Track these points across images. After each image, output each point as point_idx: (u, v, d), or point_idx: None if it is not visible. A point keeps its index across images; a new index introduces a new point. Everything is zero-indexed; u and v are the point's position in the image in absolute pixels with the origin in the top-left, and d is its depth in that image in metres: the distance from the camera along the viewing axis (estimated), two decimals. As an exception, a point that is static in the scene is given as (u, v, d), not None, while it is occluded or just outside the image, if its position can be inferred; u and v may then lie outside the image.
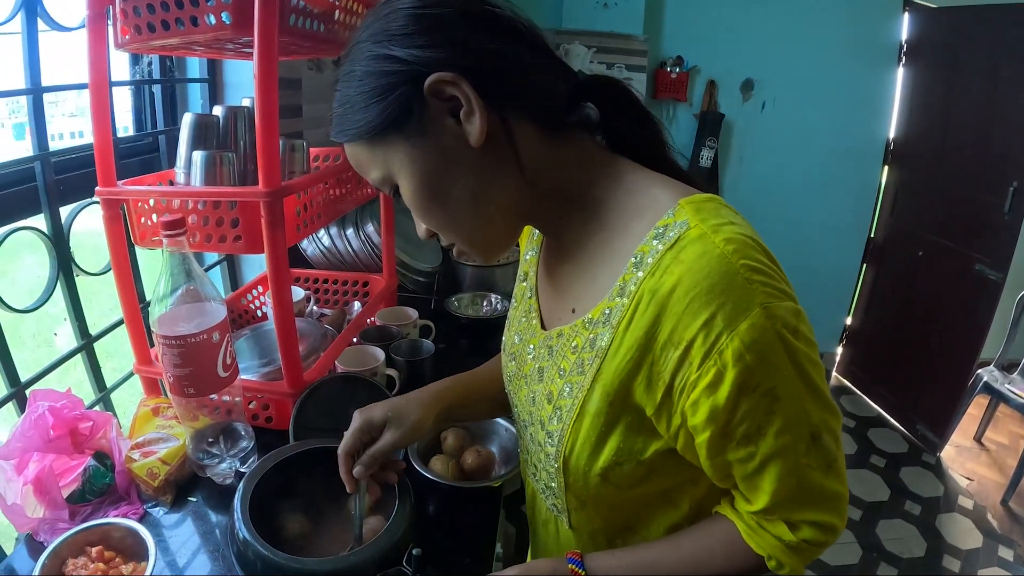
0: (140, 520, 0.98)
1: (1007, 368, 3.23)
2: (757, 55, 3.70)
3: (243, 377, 1.20)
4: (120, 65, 1.48)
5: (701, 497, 0.75)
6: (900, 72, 3.63)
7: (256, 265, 1.82)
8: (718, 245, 0.58)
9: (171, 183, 1.19)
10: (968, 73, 3.19)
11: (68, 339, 1.31)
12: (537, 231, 0.91)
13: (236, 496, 0.87)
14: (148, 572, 0.83)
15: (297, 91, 1.85)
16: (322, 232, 1.79)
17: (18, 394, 1.13)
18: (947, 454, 3.39)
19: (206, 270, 1.77)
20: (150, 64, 1.52)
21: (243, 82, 1.70)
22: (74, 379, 1.35)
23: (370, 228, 1.75)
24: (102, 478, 1.00)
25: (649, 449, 0.67)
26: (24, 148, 1.19)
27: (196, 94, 1.68)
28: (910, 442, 3.52)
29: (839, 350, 4.27)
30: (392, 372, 1.35)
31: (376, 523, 0.88)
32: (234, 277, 1.87)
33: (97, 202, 1.12)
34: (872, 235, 3.96)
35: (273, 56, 0.95)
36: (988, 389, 3.17)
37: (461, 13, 0.64)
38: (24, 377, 1.16)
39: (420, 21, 0.63)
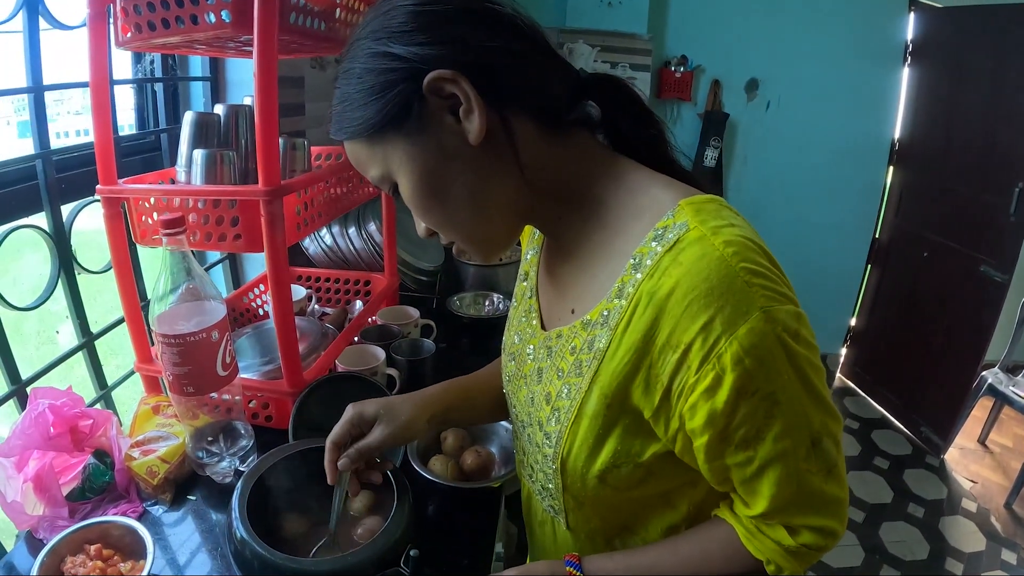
0: (139, 518, 0.99)
1: (1012, 370, 3.21)
2: (762, 55, 3.69)
3: (244, 375, 1.20)
4: (123, 63, 1.48)
5: (700, 500, 0.75)
6: (905, 72, 3.62)
7: (258, 263, 1.82)
8: (717, 247, 0.57)
9: (172, 181, 1.19)
10: (974, 73, 3.17)
11: (70, 337, 1.31)
12: (538, 231, 0.91)
13: (234, 495, 0.87)
14: (146, 571, 0.83)
15: (300, 89, 1.85)
16: (324, 231, 1.79)
17: (19, 392, 1.13)
18: (951, 456, 3.38)
19: (208, 268, 1.77)
20: (152, 62, 1.52)
21: (245, 80, 1.70)
22: (78, 376, 1.35)
23: (372, 227, 1.75)
24: (102, 476, 1.00)
25: (647, 452, 0.67)
26: (29, 146, 1.19)
27: (198, 92, 1.68)
28: (914, 444, 3.50)
29: (843, 351, 4.26)
30: (393, 372, 1.34)
31: (374, 523, 0.88)
32: (236, 275, 1.87)
33: (98, 200, 1.12)
34: (876, 235, 3.94)
35: (273, 55, 0.94)
36: (992, 391, 3.15)
37: (461, 10, 0.63)
38: (27, 374, 1.16)
39: (420, 18, 0.62)
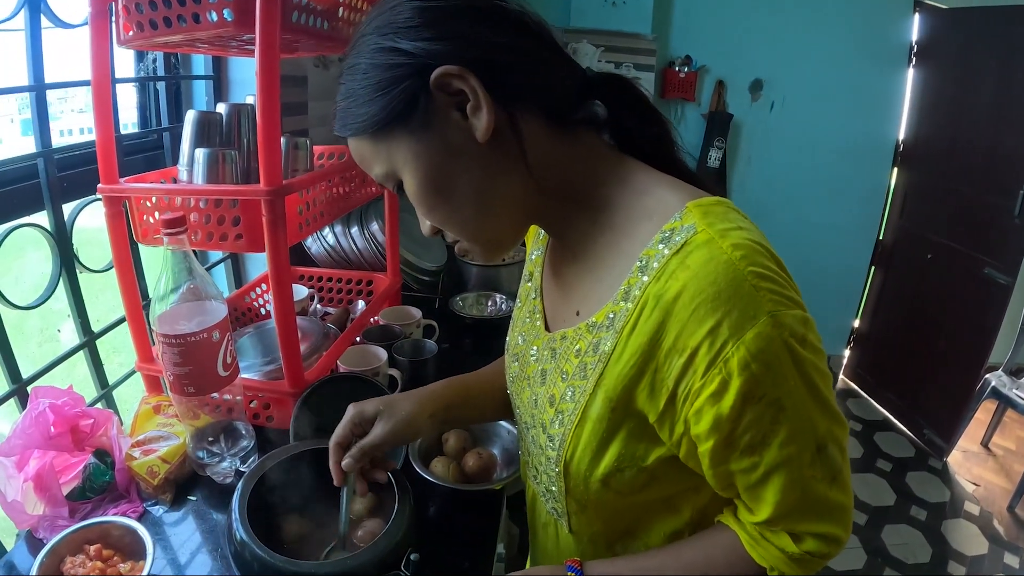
0: (139, 518, 0.98)
1: (1015, 373, 3.20)
2: (766, 55, 3.69)
3: (245, 375, 1.20)
4: (125, 62, 1.48)
5: (703, 505, 0.74)
6: (910, 73, 3.61)
7: (260, 262, 1.82)
8: (725, 251, 0.57)
9: (174, 181, 1.19)
10: (979, 74, 3.16)
11: (72, 335, 1.31)
12: (543, 231, 0.90)
13: (234, 496, 0.87)
14: (146, 571, 0.83)
15: (303, 88, 1.84)
16: (327, 230, 1.79)
17: (19, 391, 1.13)
18: (954, 459, 3.37)
19: (210, 267, 1.77)
20: (155, 61, 1.52)
21: (248, 79, 1.69)
22: (79, 375, 1.35)
23: (375, 227, 1.75)
24: (102, 476, 1.00)
25: (651, 456, 0.66)
26: (32, 144, 1.18)
27: (201, 91, 1.68)
28: (917, 446, 3.49)
29: (846, 353, 4.25)
30: (395, 372, 1.34)
31: (375, 526, 0.88)
32: (238, 274, 1.86)
33: (100, 199, 1.12)
34: (880, 237, 3.93)
35: (275, 53, 0.94)
36: (996, 394, 3.14)
37: (468, 6, 0.63)
38: (28, 373, 1.16)
39: (426, 14, 0.62)
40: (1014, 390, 3.09)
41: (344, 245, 1.78)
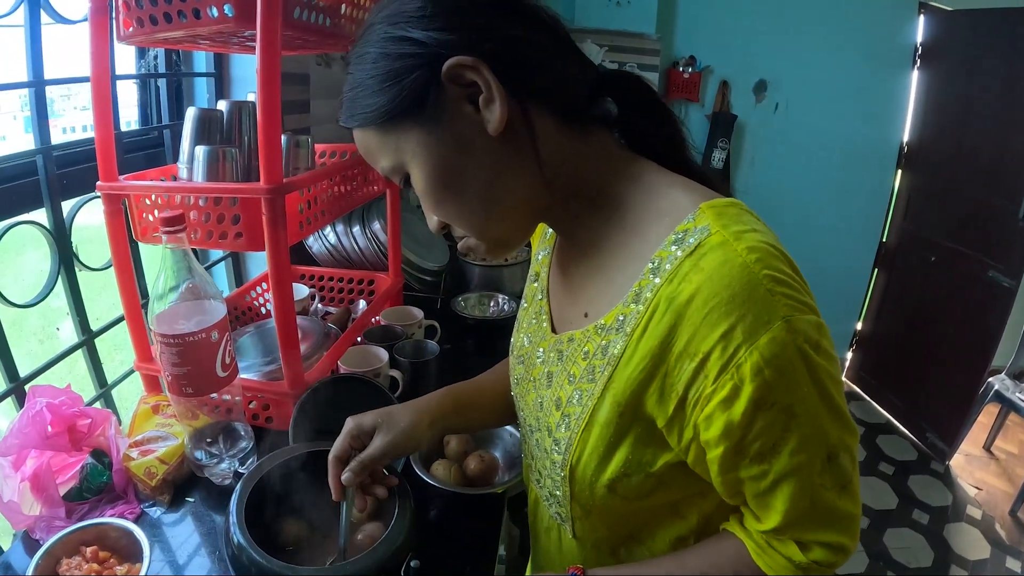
0: (137, 519, 0.98)
1: (1018, 376, 3.19)
2: (771, 56, 3.67)
3: (246, 375, 1.19)
4: (126, 58, 1.47)
5: (709, 511, 0.73)
6: (915, 75, 3.59)
7: (261, 260, 1.80)
8: (740, 254, 0.55)
9: (174, 178, 1.18)
10: (984, 76, 3.14)
11: (71, 333, 1.30)
12: (550, 230, 0.89)
13: (232, 498, 0.86)
14: (143, 573, 0.82)
15: (305, 86, 1.83)
16: (328, 229, 1.78)
17: (17, 389, 1.12)
18: (956, 463, 3.36)
19: (211, 265, 1.76)
20: (156, 58, 1.51)
21: (250, 76, 1.68)
22: (79, 372, 1.34)
23: (377, 226, 1.74)
24: (99, 476, 0.99)
25: (658, 461, 0.65)
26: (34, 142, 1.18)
27: (202, 88, 1.67)
28: (919, 450, 3.48)
29: (849, 355, 4.23)
30: (396, 373, 1.33)
31: (374, 530, 0.86)
32: (239, 273, 1.85)
33: (100, 196, 1.11)
34: (884, 239, 3.91)
35: (276, 50, 0.93)
36: (999, 397, 3.13)
37: None
38: (31, 368, 1.15)
39: (439, 3, 0.61)
40: (1017, 394, 3.08)
41: (345, 244, 1.77)
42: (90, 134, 1.06)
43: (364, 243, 1.75)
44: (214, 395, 1.00)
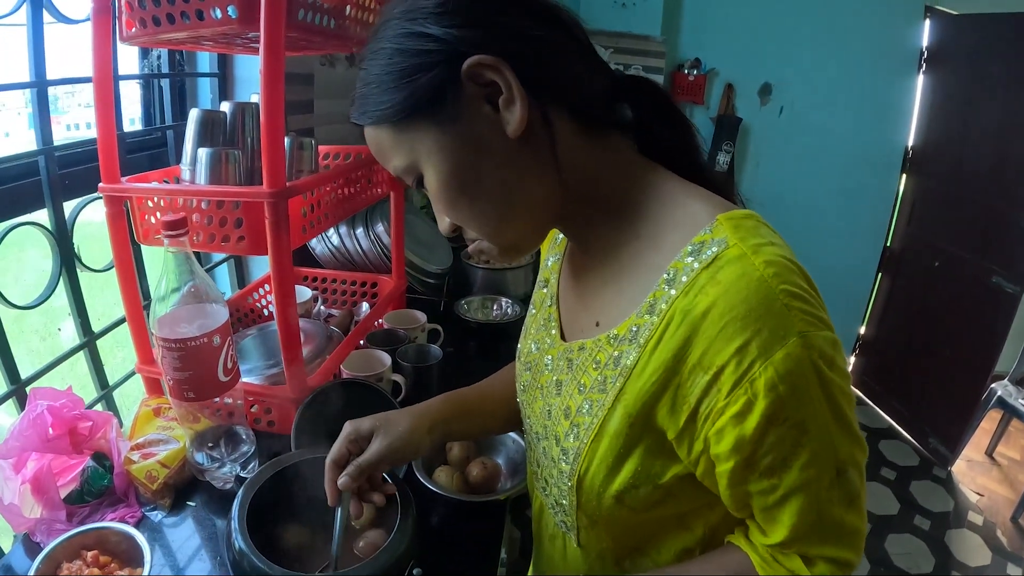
0: (138, 523, 0.97)
1: (1021, 382, 3.18)
2: (776, 59, 3.67)
3: (248, 378, 1.19)
4: (130, 57, 1.46)
5: (716, 523, 0.72)
6: (920, 79, 3.58)
7: (264, 261, 1.79)
8: (758, 268, 0.55)
9: (177, 180, 1.17)
10: (989, 81, 3.13)
11: (72, 333, 1.30)
12: (560, 235, 0.88)
13: (234, 504, 0.85)
14: (143, 578, 0.81)
15: (309, 87, 1.83)
16: (331, 231, 1.78)
17: (18, 391, 1.12)
18: (958, 468, 3.35)
19: (213, 267, 1.76)
20: (159, 58, 1.50)
21: (254, 77, 1.67)
22: (80, 372, 1.34)
23: (380, 228, 1.73)
24: (100, 479, 0.99)
25: (667, 473, 0.65)
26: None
27: (206, 88, 1.66)
28: (921, 455, 3.47)
29: (852, 359, 4.22)
30: (398, 378, 1.32)
31: (377, 537, 0.86)
32: (241, 274, 1.85)
33: (101, 198, 1.10)
34: (888, 244, 3.90)
35: (280, 53, 0.92)
36: (1002, 403, 3.12)
37: None
38: (27, 372, 1.15)
39: None
40: (1020, 400, 3.06)
41: (349, 246, 1.76)
42: (94, 131, 1.05)
43: (367, 245, 1.74)
44: (216, 399, 1.00)
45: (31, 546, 0.91)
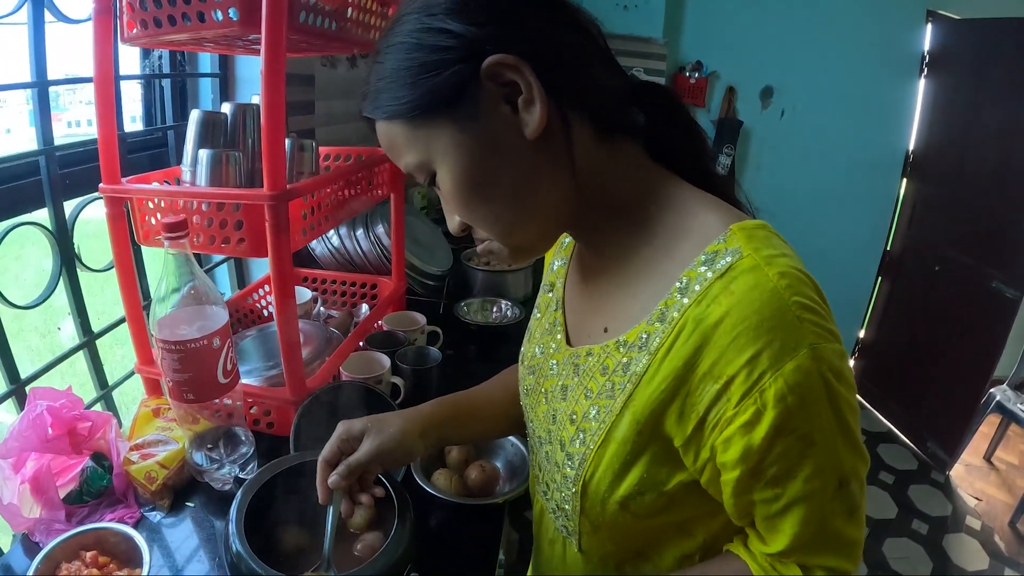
0: (136, 524, 0.97)
1: (1020, 387, 3.18)
2: (777, 62, 3.67)
3: (248, 380, 1.19)
4: (131, 57, 1.46)
5: (717, 530, 0.72)
6: (921, 83, 3.58)
7: (264, 262, 1.80)
8: (771, 279, 0.55)
9: (177, 181, 1.18)
10: (991, 85, 3.13)
11: (72, 332, 1.30)
12: (567, 239, 0.88)
13: (232, 506, 0.85)
14: (142, 578, 0.81)
15: (310, 88, 1.83)
16: (331, 232, 1.78)
17: (18, 391, 1.12)
18: (956, 473, 3.35)
19: (213, 267, 1.76)
20: (160, 58, 1.51)
21: (255, 77, 1.66)
22: (79, 371, 1.34)
23: (380, 229, 1.74)
24: (100, 480, 0.99)
25: (672, 480, 0.65)
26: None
27: (207, 89, 1.67)
28: (920, 459, 3.47)
29: (851, 363, 4.22)
30: (398, 380, 1.32)
31: (374, 540, 0.86)
32: (241, 274, 1.85)
33: (102, 198, 1.10)
34: (888, 248, 3.90)
35: (281, 56, 0.92)
36: (1000, 408, 3.12)
37: None
38: (27, 369, 1.15)
39: None
40: (1019, 404, 3.07)
41: (349, 247, 1.76)
42: (95, 129, 1.05)
43: (367, 246, 1.74)
44: (215, 400, 1.00)
45: (30, 546, 0.92)
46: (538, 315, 0.89)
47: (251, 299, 1.58)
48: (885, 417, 3.83)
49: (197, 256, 1.11)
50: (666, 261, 0.64)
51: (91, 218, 1.27)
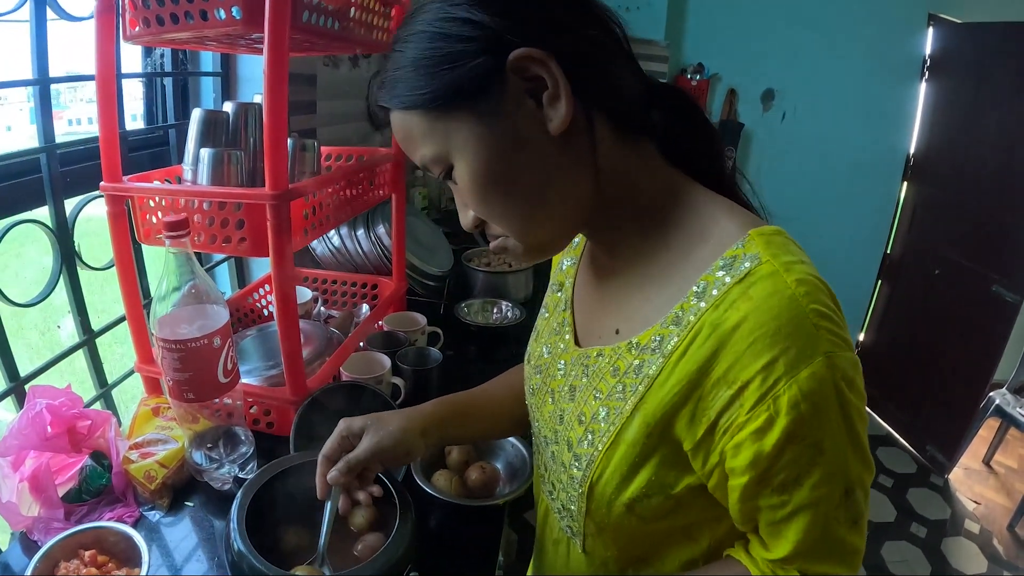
0: (135, 523, 0.97)
1: (1019, 391, 3.18)
2: (779, 65, 3.67)
3: (248, 380, 1.19)
4: (133, 54, 1.46)
5: (722, 535, 0.72)
6: (923, 86, 3.58)
7: (265, 261, 1.80)
8: (790, 286, 0.55)
9: (179, 180, 1.17)
10: (992, 89, 3.14)
11: (72, 330, 1.30)
12: (578, 239, 0.87)
13: (233, 505, 0.85)
14: (141, 578, 0.81)
15: (312, 87, 1.83)
16: (332, 231, 1.78)
17: (17, 389, 1.12)
18: (955, 476, 3.35)
19: (214, 266, 1.75)
20: (162, 56, 1.50)
21: (257, 76, 1.67)
22: (79, 369, 1.34)
23: (381, 229, 1.73)
24: (99, 478, 0.99)
25: (680, 484, 0.64)
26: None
27: (208, 87, 1.66)
28: (919, 463, 3.47)
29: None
30: (398, 381, 1.32)
31: (375, 540, 0.86)
32: (241, 274, 1.85)
33: (103, 196, 1.10)
34: (888, 251, 3.91)
35: (284, 56, 0.92)
36: (1000, 412, 3.12)
37: None
38: (26, 367, 1.15)
39: None
40: (1018, 408, 3.07)
41: (350, 247, 1.76)
42: (95, 127, 1.05)
43: (368, 246, 1.74)
44: (215, 400, 1.00)
45: (28, 544, 0.91)
46: (546, 315, 0.88)
47: (252, 299, 1.58)
48: (884, 420, 3.83)
49: (198, 255, 1.11)
50: (683, 264, 0.64)
51: (92, 216, 1.27)
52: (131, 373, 1.36)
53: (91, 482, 0.98)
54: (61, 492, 0.95)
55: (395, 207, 1.58)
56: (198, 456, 1.03)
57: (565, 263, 0.88)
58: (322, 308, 1.60)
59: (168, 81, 1.57)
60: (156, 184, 1.14)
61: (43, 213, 1.19)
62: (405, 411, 0.89)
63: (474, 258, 2.04)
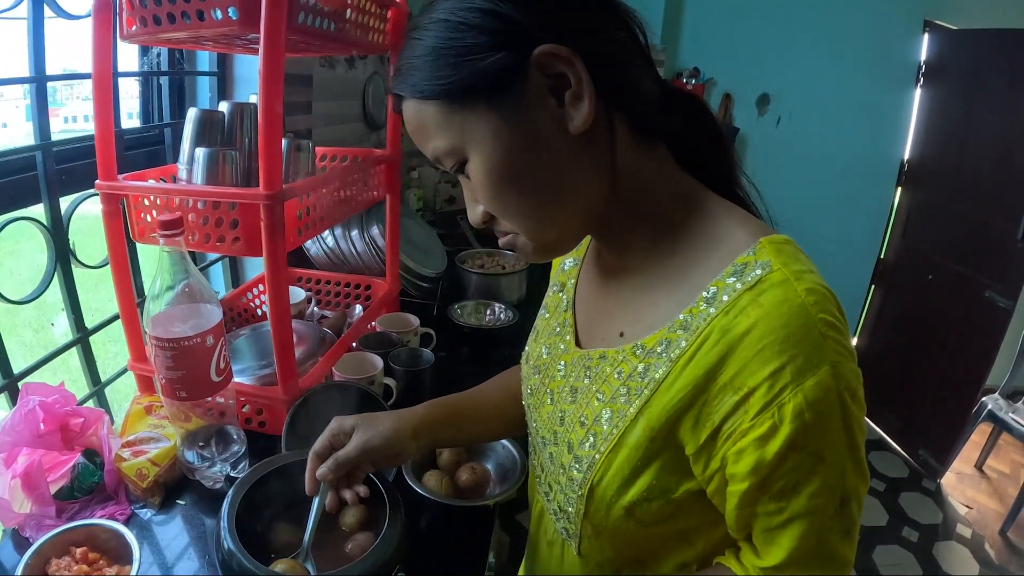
0: (127, 521, 0.97)
1: (1012, 396, 3.19)
2: (774, 70, 3.68)
3: (241, 379, 1.19)
4: (129, 53, 1.47)
5: (718, 539, 0.71)
6: (918, 92, 3.60)
7: (258, 261, 1.80)
8: (800, 294, 0.55)
9: (174, 179, 1.18)
10: (986, 95, 3.15)
11: (66, 327, 1.30)
12: (597, 241, 0.86)
13: (224, 504, 0.85)
14: (132, 575, 0.82)
15: (307, 88, 1.83)
16: (326, 232, 1.78)
17: (10, 386, 1.12)
18: (947, 481, 3.36)
19: (207, 265, 1.76)
20: (159, 55, 1.51)
21: (253, 76, 1.67)
22: (72, 366, 1.34)
23: (375, 230, 1.74)
24: (91, 476, 0.99)
25: (681, 488, 0.64)
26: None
27: (205, 87, 1.67)
28: (911, 467, 3.48)
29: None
30: (390, 381, 1.32)
31: (365, 539, 0.86)
32: (235, 273, 1.85)
33: (98, 194, 1.10)
34: (882, 256, 3.92)
35: (279, 56, 0.93)
36: (992, 417, 3.12)
37: None
38: (19, 364, 1.15)
39: None
40: (1010, 414, 3.07)
41: (343, 248, 1.76)
42: (91, 124, 1.05)
43: (362, 247, 1.75)
44: (208, 398, 1.00)
45: (20, 541, 0.91)
46: (546, 315, 0.88)
47: (245, 298, 1.58)
48: (877, 424, 3.84)
49: (192, 254, 1.12)
50: (692, 269, 0.64)
51: (87, 214, 1.27)
52: (124, 371, 1.37)
53: (83, 480, 0.98)
54: (53, 489, 0.95)
55: (389, 208, 1.58)
56: (190, 455, 1.03)
57: (567, 264, 0.88)
58: (315, 308, 1.61)
59: (164, 80, 1.57)
60: (151, 183, 1.14)
61: (38, 210, 1.19)
62: (397, 412, 0.89)
63: (468, 260, 2.05)
